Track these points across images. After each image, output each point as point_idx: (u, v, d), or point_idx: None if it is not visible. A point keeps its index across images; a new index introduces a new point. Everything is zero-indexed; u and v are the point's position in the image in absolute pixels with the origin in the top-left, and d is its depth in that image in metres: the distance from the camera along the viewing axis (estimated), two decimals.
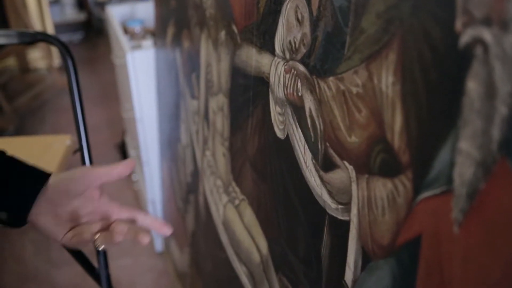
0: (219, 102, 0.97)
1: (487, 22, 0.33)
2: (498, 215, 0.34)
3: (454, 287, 0.39)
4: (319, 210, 0.60)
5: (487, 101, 0.33)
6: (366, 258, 0.51)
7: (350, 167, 0.52)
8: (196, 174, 1.24)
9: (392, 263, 0.46)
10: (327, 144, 0.56)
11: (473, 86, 0.34)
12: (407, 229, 0.44)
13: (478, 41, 0.33)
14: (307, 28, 0.58)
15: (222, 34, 0.91)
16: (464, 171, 0.36)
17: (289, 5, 0.63)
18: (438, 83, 0.38)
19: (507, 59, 0.31)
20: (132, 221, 0.68)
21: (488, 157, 0.34)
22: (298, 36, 0.61)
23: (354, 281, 0.54)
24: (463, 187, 0.36)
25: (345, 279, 0.56)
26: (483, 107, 0.33)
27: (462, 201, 0.37)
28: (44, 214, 0.65)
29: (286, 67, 0.65)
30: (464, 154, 0.36)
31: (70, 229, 0.66)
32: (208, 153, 1.08)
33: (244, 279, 0.90)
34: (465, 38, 0.35)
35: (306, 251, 0.65)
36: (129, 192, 2.39)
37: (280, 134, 0.69)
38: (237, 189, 0.91)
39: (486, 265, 0.35)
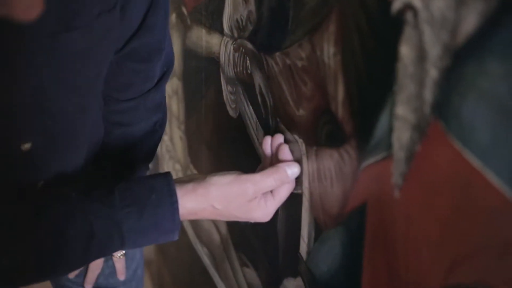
0: (174, 86, 0.96)
1: None
2: (434, 176, 0.35)
3: (398, 249, 0.40)
4: None
5: (419, 65, 0.34)
6: (318, 230, 0.52)
7: (300, 141, 0.53)
8: (156, 160, 1.23)
9: (341, 231, 0.47)
10: (278, 119, 0.57)
11: (405, 51, 0.35)
12: (353, 198, 0.45)
13: (409, 6, 0.34)
14: (252, 6, 0.58)
15: (173, 17, 0.90)
16: (401, 136, 0.37)
17: None
18: (375, 51, 0.39)
19: (435, 23, 0.32)
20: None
21: (422, 120, 0.35)
22: (245, 14, 0.61)
23: (308, 253, 0.55)
24: (401, 151, 0.37)
25: (300, 251, 0.56)
26: (416, 71, 0.34)
27: (401, 165, 0.38)
28: None
29: (234, 45, 0.65)
30: (401, 118, 0.37)
31: None
32: (166, 137, 1.07)
33: (206, 260, 0.90)
34: (396, 4, 0.35)
35: (263, 228, 0.66)
36: None
37: (232, 113, 0.69)
38: (195, 172, 0.91)
39: (426, 225, 0.36)
